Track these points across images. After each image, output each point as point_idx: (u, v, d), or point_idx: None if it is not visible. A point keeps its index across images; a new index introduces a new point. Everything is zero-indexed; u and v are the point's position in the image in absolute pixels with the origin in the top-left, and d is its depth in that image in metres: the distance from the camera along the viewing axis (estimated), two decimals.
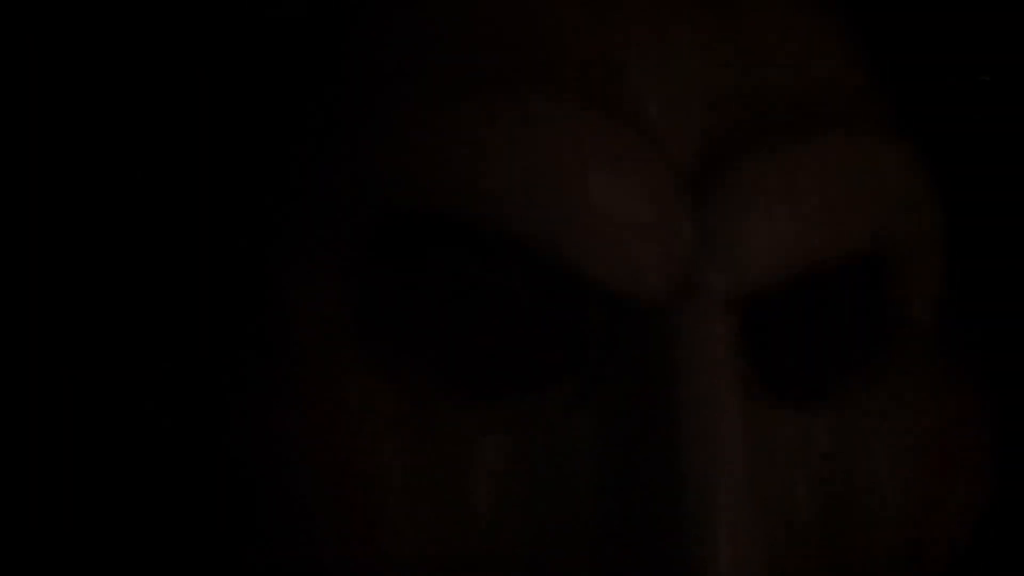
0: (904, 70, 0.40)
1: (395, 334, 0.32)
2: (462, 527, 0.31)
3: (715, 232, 0.31)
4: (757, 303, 0.32)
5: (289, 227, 0.32)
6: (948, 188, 0.35)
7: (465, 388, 0.32)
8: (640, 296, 0.31)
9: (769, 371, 0.33)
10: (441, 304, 0.32)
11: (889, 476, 0.34)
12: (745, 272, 0.31)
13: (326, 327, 0.32)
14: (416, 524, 0.31)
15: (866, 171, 0.33)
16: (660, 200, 0.31)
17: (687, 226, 0.31)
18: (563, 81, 0.31)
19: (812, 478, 0.33)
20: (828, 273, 0.33)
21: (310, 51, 0.33)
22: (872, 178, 0.33)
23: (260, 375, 0.32)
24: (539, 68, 0.31)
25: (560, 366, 0.32)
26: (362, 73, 0.32)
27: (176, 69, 0.36)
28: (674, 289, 0.31)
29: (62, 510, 0.37)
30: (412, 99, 0.31)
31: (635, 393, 0.31)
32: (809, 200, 0.32)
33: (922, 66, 0.44)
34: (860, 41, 0.36)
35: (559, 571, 0.31)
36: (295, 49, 0.33)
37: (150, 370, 0.35)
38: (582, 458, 0.31)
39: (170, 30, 0.36)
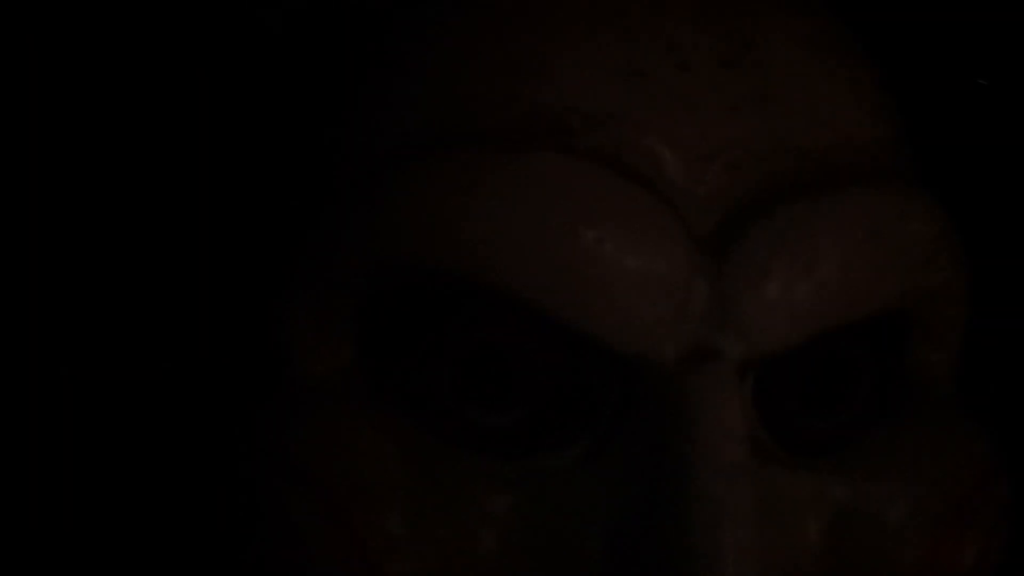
0: (930, 114, 0.39)
1: (403, 390, 0.31)
2: None
3: (730, 297, 0.30)
4: (771, 363, 0.31)
5: (299, 282, 0.31)
6: (971, 238, 0.34)
7: (473, 445, 0.31)
8: (651, 359, 0.30)
9: (783, 429, 0.32)
10: (450, 361, 0.31)
11: (905, 534, 0.33)
12: (760, 338, 0.30)
13: (333, 383, 0.31)
14: None
15: (888, 227, 0.31)
16: (674, 263, 0.30)
17: (701, 290, 0.30)
18: (576, 138, 0.30)
19: (826, 535, 0.32)
20: (846, 330, 0.32)
21: (316, 112, 0.33)
22: (894, 234, 0.32)
23: (266, 429, 0.31)
24: (552, 124, 0.30)
25: (571, 425, 0.31)
26: (366, 132, 0.31)
27: (191, 134, 0.36)
28: (686, 353, 0.30)
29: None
30: (419, 157, 0.30)
31: (646, 455, 0.30)
32: (828, 264, 0.31)
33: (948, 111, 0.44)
34: (888, 91, 0.35)
35: None
36: (303, 111, 0.33)
37: (157, 419, 0.35)
38: (591, 518, 0.30)
39: (182, 105, 0.37)
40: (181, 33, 0.38)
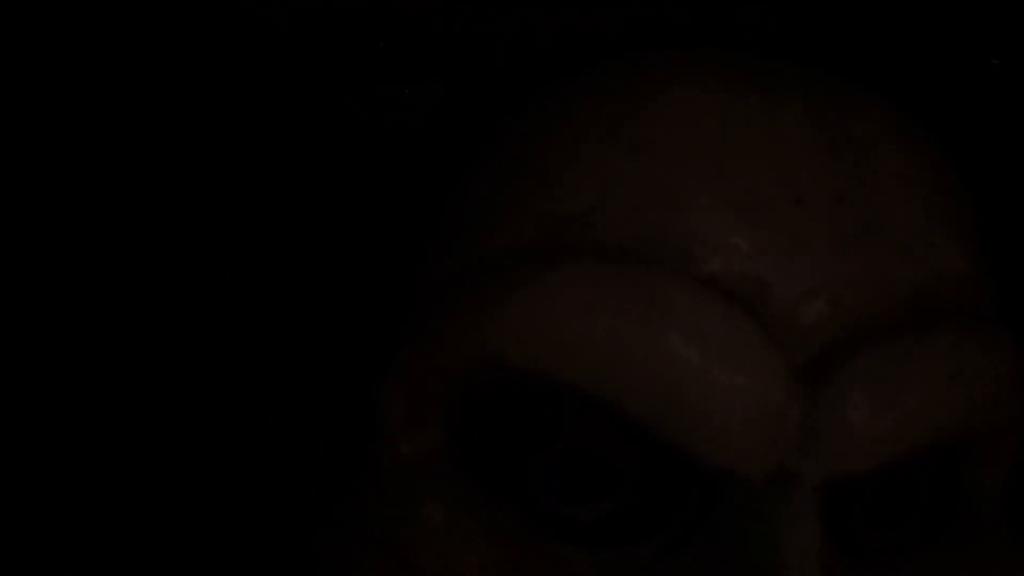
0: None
1: (490, 478, 0.33)
2: None
3: (819, 425, 0.32)
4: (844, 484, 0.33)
5: (400, 367, 0.33)
6: None
7: (555, 536, 0.33)
8: (738, 476, 0.32)
9: (848, 543, 0.34)
10: (538, 454, 0.33)
11: None
12: (839, 466, 0.32)
13: (421, 464, 0.33)
14: None
15: (971, 365, 0.34)
16: (771, 388, 0.32)
17: (794, 417, 0.32)
18: (696, 264, 0.32)
19: None
20: (912, 462, 0.34)
21: (435, 205, 0.35)
22: (976, 371, 0.34)
23: (353, 501, 0.33)
24: (677, 249, 0.32)
25: (651, 523, 0.33)
26: (483, 230, 0.33)
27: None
28: (770, 474, 0.32)
29: None
30: (537, 263, 0.32)
31: (723, 564, 0.32)
32: (913, 397, 0.33)
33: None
34: (979, 228, 0.37)
35: None
36: (421, 202, 0.35)
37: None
38: None
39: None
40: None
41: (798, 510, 0.31)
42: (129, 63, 0.38)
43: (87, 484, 0.39)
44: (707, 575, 0.32)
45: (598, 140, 0.33)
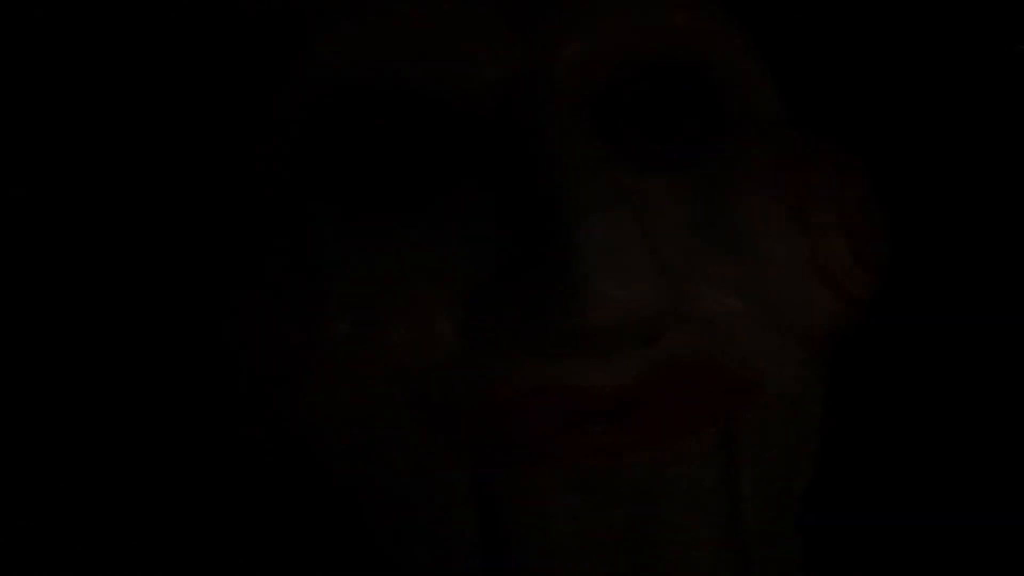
0: None
1: (339, 172, 0.37)
2: (400, 291, 0.36)
3: (543, 41, 0.37)
4: (610, 99, 0.38)
5: (252, 118, 0.38)
6: None
7: (395, 200, 0.37)
8: (473, 83, 0.37)
9: (627, 150, 0.38)
10: (369, 143, 0.37)
11: (765, 229, 0.38)
12: (575, 57, 0.37)
13: (286, 179, 0.37)
14: (366, 306, 0.36)
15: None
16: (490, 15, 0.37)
17: (516, 39, 0.37)
18: None
19: (684, 227, 0.38)
20: (665, 77, 0.39)
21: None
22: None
23: (248, 227, 0.37)
24: None
25: (462, 172, 0.37)
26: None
27: None
28: (508, 76, 0.37)
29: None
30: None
31: (515, 174, 0.36)
32: (607, 27, 0.38)
33: None
34: None
35: (478, 322, 0.36)
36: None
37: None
38: (482, 237, 0.36)
39: None
40: None
41: (549, 104, 0.36)
42: None
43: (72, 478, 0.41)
44: (510, 186, 0.36)
45: None
